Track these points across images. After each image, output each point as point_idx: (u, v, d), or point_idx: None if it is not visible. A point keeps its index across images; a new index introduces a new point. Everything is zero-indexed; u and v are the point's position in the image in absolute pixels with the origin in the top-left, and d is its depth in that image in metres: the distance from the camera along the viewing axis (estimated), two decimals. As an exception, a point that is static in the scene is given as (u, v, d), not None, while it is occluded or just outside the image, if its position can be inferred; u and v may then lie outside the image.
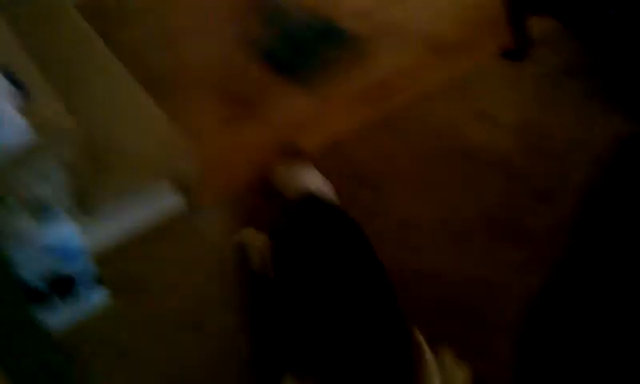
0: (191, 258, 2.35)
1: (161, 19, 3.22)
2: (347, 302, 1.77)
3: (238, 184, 2.57)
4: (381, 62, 3.03)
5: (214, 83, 2.94)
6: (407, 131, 2.74)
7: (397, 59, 3.04)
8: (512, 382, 2.00)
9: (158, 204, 2.38)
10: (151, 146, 2.30)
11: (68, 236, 1.99)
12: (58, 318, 2.09)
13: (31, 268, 1.95)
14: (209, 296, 2.25)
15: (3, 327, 1.44)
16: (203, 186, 2.49)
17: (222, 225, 2.44)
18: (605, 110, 2.74)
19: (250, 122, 2.79)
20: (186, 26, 3.18)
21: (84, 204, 2.15)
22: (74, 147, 1.96)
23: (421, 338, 1.79)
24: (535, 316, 2.14)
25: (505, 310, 2.17)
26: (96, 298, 2.17)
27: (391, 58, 3.04)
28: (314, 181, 2.21)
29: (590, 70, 2.92)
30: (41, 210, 1.93)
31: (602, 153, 2.56)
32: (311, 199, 2.11)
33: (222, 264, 2.33)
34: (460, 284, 2.26)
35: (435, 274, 2.28)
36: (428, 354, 1.77)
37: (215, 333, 2.15)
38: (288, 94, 2.88)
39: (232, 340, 2.12)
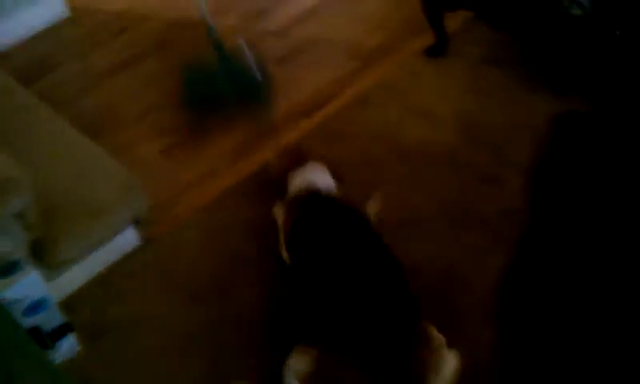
0: (154, 290, 2.31)
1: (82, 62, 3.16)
2: (356, 285, 1.90)
3: (187, 210, 2.55)
4: (308, 75, 3.07)
5: (144, 117, 2.90)
6: (345, 137, 2.77)
7: (322, 72, 3.08)
8: (496, 362, 2.06)
9: (116, 242, 2.32)
10: (103, 187, 2.24)
11: (32, 287, 1.91)
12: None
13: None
14: (178, 324, 2.22)
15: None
16: (156, 217, 2.47)
17: (179, 251, 2.42)
18: (531, 92, 2.88)
19: (188, 150, 2.77)
20: (106, 67, 3.13)
21: (42, 255, 2.07)
22: (27, 196, 1.88)
23: (430, 328, 1.87)
24: (507, 294, 2.21)
25: (474, 293, 2.24)
26: (66, 346, 2.09)
27: (316, 72, 3.08)
28: (321, 178, 2.31)
29: (508, 56, 3.05)
30: (2, 264, 1.85)
31: (538, 132, 2.70)
32: (319, 195, 2.24)
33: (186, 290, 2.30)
34: (426, 274, 2.29)
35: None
36: (437, 342, 1.84)
37: (196, 361, 2.12)
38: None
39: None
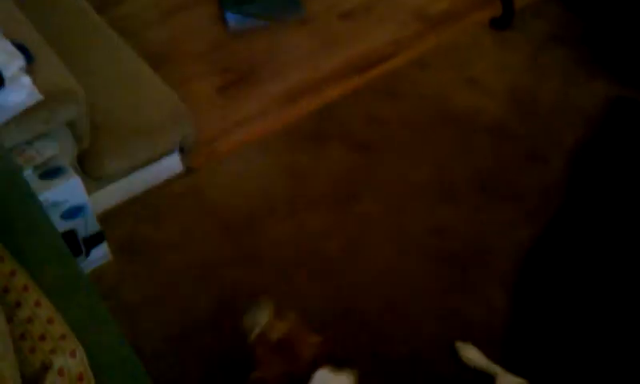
0: (192, 217, 2.40)
1: None
2: None
3: (233, 145, 2.64)
4: (370, 31, 3.09)
5: (207, 54, 2.99)
6: (397, 97, 2.80)
7: (385, 28, 3.10)
8: (506, 329, 2.08)
9: (159, 165, 2.43)
10: (152, 110, 2.34)
11: (72, 192, 2.02)
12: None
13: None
14: (212, 252, 2.31)
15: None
16: (201, 148, 2.57)
17: (218, 184, 2.50)
18: (590, 75, 2.83)
19: (245, 88, 2.85)
20: (177, 2, 3.22)
21: (87, 166, 2.20)
22: (81, 108, 2.00)
23: None
24: (530, 267, 2.22)
25: (497, 263, 2.26)
26: (98, 255, 2.22)
27: (380, 28, 3.11)
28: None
29: (574, 36, 3.00)
30: (47, 167, 1.98)
31: (592, 114, 2.66)
32: None
33: (221, 222, 2.39)
34: (453, 240, 2.33)
35: (429, 229, 2.35)
36: None
37: (222, 287, 2.21)
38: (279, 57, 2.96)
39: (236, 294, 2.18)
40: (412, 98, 2.78)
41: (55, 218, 2.01)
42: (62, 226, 2.05)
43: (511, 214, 2.40)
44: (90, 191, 2.13)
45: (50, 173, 1.99)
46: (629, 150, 2.53)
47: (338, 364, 1.56)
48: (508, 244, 2.30)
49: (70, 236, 2.08)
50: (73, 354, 1.32)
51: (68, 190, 2.00)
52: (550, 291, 2.16)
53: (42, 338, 1.31)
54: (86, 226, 2.13)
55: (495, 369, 1.90)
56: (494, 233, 2.35)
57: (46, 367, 1.30)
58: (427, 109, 2.74)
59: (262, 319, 1.70)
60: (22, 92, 1.89)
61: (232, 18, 3.09)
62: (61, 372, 1.30)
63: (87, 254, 2.18)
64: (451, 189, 2.48)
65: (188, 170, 2.52)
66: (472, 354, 1.99)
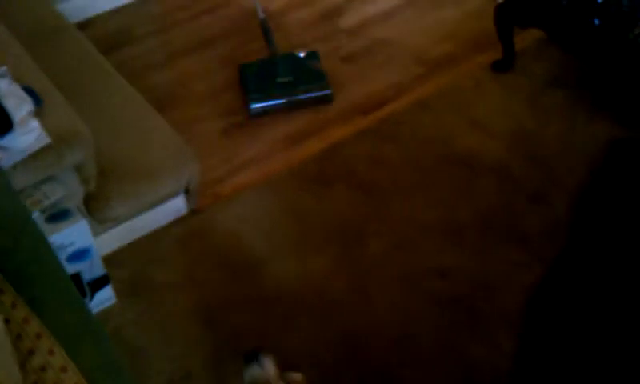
0: (196, 259, 2.41)
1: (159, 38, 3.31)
2: None
3: (238, 187, 2.65)
4: (372, 74, 3.13)
5: (211, 97, 3.02)
6: (400, 139, 2.82)
7: (388, 73, 3.14)
8: (512, 369, 2.07)
9: (164, 207, 2.44)
10: (158, 153, 2.36)
11: (79, 235, 2.03)
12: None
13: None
14: (217, 294, 2.30)
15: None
16: (206, 190, 2.59)
17: (223, 226, 2.51)
18: (591, 117, 2.86)
19: (249, 130, 2.87)
20: (182, 46, 3.27)
21: (93, 209, 2.21)
22: (89, 151, 2.01)
23: None
24: (535, 310, 2.21)
25: (503, 305, 2.26)
26: (104, 297, 2.22)
27: (383, 72, 3.14)
28: None
29: (574, 78, 3.03)
30: (53, 210, 1.99)
31: (593, 156, 2.68)
32: None
33: (226, 264, 2.39)
34: (459, 281, 2.33)
35: (435, 270, 2.36)
36: None
37: (227, 331, 2.20)
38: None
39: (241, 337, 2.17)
40: (415, 140, 2.80)
41: (61, 260, 2.01)
42: (68, 269, 2.04)
43: (516, 256, 2.40)
44: (95, 234, 2.14)
45: (57, 216, 2.00)
46: (629, 191, 2.54)
47: None
48: (512, 285, 2.30)
49: (75, 279, 2.08)
50: (87, 404, 1.31)
51: (75, 233, 2.01)
52: (554, 335, 2.15)
53: (56, 386, 1.30)
54: (92, 268, 2.13)
55: None
56: (498, 274, 2.35)
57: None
58: (430, 151, 2.76)
59: (261, 377, 1.69)
60: (31, 135, 1.91)
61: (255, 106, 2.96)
62: (75, 423, 1.29)
63: (92, 297, 2.18)
64: (456, 230, 2.49)
65: (193, 212, 2.53)
66: None
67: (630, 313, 2.18)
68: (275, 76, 2.98)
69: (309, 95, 2.96)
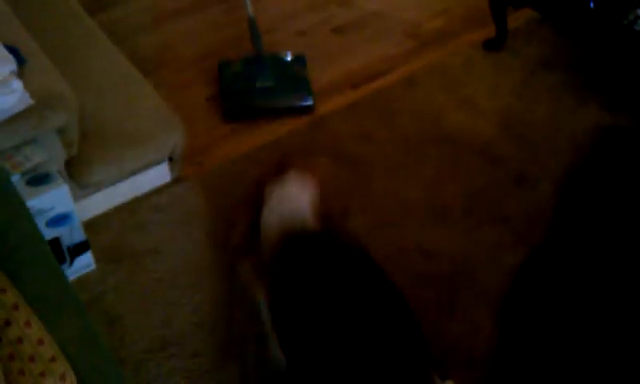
0: (174, 225, 2.39)
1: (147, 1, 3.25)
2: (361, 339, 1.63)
3: (223, 157, 2.63)
4: (363, 48, 3.10)
5: (199, 62, 2.98)
6: (389, 113, 2.80)
7: (379, 46, 3.11)
8: (492, 352, 2.08)
9: (147, 174, 2.41)
10: (143, 119, 2.32)
11: (60, 200, 2.00)
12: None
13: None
14: (197, 261, 2.29)
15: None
16: (190, 158, 2.55)
17: (206, 195, 2.48)
18: (581, 101, 2.84)
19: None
20: (171, 8, 3.21)
21: (75, 173, 2.17)
22: (72, 114, 1.97)
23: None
24: (517, 291, 2.22)
25: (484, 285, 2.26)
26: (83, 263, 2.19)
27: (374, 45, 3.11)
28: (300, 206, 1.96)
29: (566, 61, 3.02)
30: (34, 174, 1.96)
31: (582, 141, 2.67)
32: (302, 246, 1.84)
33: (207, 233, 2.37)
34: (441, 260, 2.32)
35: (417, 249, 2.35)
36: None
37: (206, 299, 2.19)
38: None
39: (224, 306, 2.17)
40: (403, 116, 2.78)
41: (40, 225, 1.98)
42: (47, 234, 2.02)
43: (499, 237, 2.39)
44: (76, 199, 2.11)
45: (38, 179, 1.96)
46: (617, 178, 2.54)
47: None
48: (495, 266, 2.30)
49: (54, 244, 2.05)
50: (63, 378, 1.29)
51: (55, 198, 1.98)
52: (536, 317, 2.16)
53: (32, 359, 1.28)
54: (72, 234, 2.10)
55: None
56: (481, 254, 2.35)
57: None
58: (418, 127, 2.74)
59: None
60: (13, 96, 1.87)
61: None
62: (51, 396, 1.27)
63: (71, 262, 2.15)
64: (440, 208, 2.48)
65: (176, 180, 2.50)
66: None
67: (613, 297, 2.19)
68: (255, 79, 2.80)
69: (288, 104, 2.80)
